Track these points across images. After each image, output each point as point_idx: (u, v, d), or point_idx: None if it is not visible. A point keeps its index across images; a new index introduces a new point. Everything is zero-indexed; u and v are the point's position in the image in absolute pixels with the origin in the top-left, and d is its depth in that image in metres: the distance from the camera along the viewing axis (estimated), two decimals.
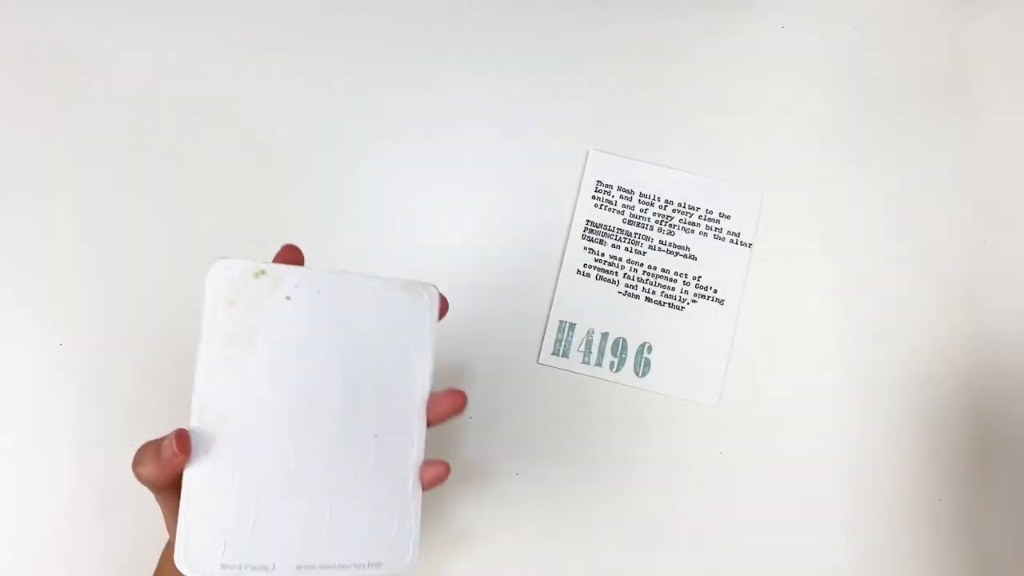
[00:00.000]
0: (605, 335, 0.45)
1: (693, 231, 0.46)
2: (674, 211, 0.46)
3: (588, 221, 0.45)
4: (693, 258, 0.46)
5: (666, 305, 0.45)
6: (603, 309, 0.45)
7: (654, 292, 0.45)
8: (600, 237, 0.45)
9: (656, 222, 0.45)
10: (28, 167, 0.50)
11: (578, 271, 0.45)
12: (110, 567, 0.44)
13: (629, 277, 0.45)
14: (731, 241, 0.46)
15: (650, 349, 0.45)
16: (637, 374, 0.45)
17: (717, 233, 0.46)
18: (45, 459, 0.46)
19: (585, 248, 0.45)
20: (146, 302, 0.48)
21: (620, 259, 0.45)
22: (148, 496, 0.35)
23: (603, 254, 0.45)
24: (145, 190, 0.50)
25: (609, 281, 0.45)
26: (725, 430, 0.49)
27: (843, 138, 0.54)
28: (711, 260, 0.46)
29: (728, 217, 0.46)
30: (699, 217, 0.46)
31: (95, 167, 0.50)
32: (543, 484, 0.46)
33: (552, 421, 0.47)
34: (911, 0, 0.56)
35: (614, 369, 0.45)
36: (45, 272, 0.48)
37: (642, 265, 0.45)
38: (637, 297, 0.45)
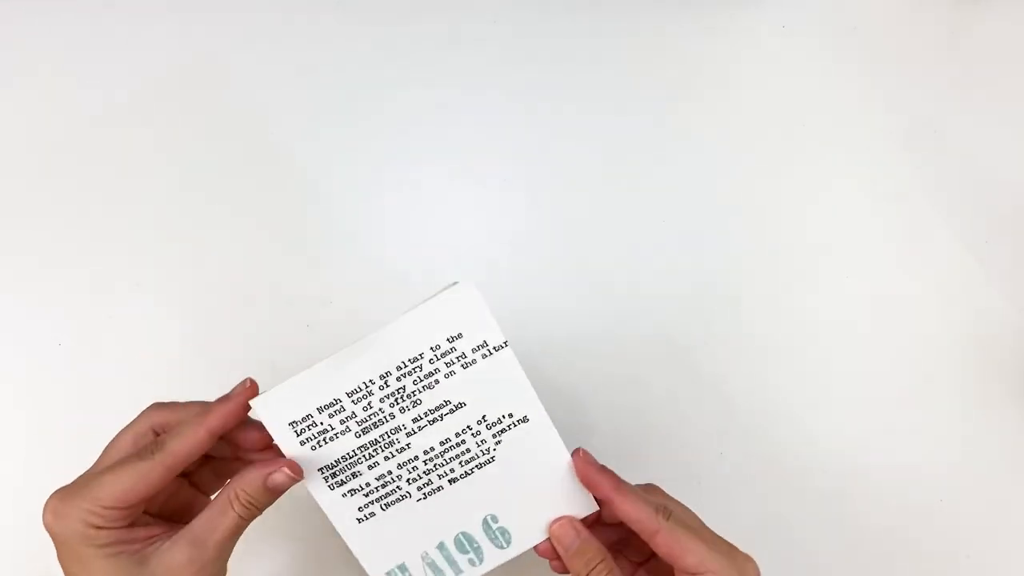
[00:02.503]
0: (442, 545, 0.36)
1: (437, 381, 0.34)
2: (400, 378, 0.34)
3: (322, 469, 0.34)
4: (462, 405, 0.35)
5: (475, 470, 0.36)
6: (418, 527, 0.36)
7: (453, 469, 0.35)
8: (349, 472, 0.35)
9: (391, 405, 0.34)
10: (26, 167, 0.50)
11: (358, 520, 0.35)
12: None
13: (415, 480, 0.35)
14: (483, 356, 0.34)
15: (495, 519, 0.36)
16: (502, 547, 0.37)
17: (463, 361, 0.34)
18: (45, 459, 0.46)
19: (343, 495, 0.35)
20: (146, 302, 0.48)
21: (390, 472, 0.35)
22: None
23: (367, 484, 0.35)
24: (145, 189, 0.50)
25: (399, 499, 0.36)
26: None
27: (843, 137, 0.54)
28: (481, 392, 0.35)
29: (459, 336, 0.34)
30: (430, 362, 0.34)
31: (95, 167, 0.50)
32: None
33: None
34: (911, 0, 0.56)
35: (476, 564, 0.37)
36: (45, 272, 0.48)
37: (417, 458, 0.35)
38: (440, 488, 0.36)
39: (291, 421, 0.34)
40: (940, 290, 0.52)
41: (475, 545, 0.37)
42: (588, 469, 0.35)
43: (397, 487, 0.36)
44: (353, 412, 0.34)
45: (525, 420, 0.35)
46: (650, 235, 0.52)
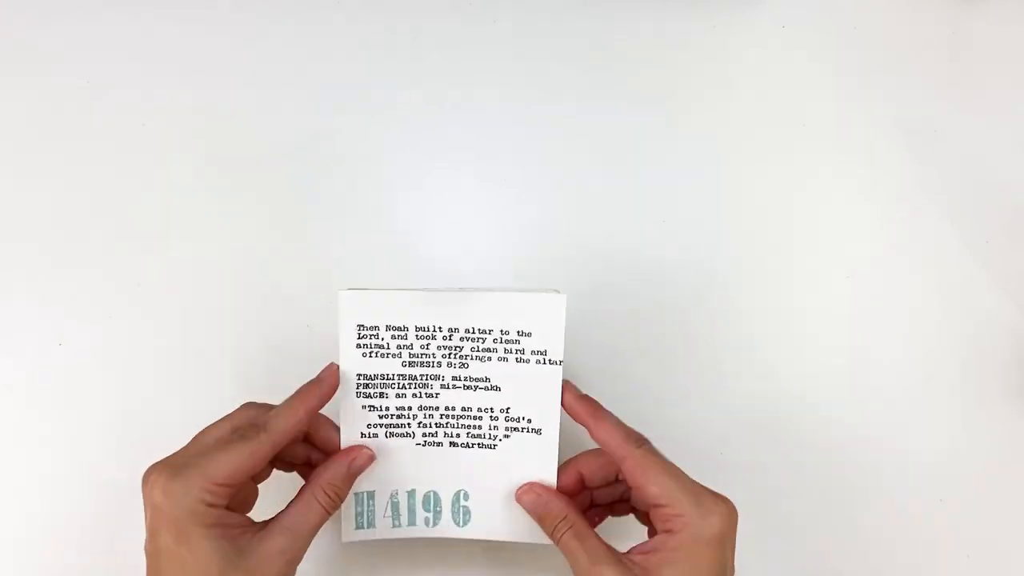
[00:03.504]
0: (411, 493, 0.39)
1: (490, 358, 0.38)
2: (463, 339, 0.37)
3: (360, 376, 0.37)
4: (496, 389, 0.38)
5: (475, 446, 0.38)
6: (403, 467, 0.39)
7: (459, 435, 0.38)
8: (379, 390, 0.37)
9: (443, 356, 0.37)
10: (25, 166, 0.50)
11: (362, 434, 0.38)
12: (108, 568, 0.44)
13: (425, 425, 0.38)
14: (537, 362, 0.38)
15: (467, 496, 0.39)
16: (458, 524, 0.39)
17: (519, 355, 0.38)
18: (44, 459, 0.46)
19: (363, 407, 0.37)
20: (146, 302, 0.48)
21: (410, 408, 0.38)
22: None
23: (387, 408, 0.38)
24: (145, 189, 0.50)
25: (403, 435, 0.38)
26: None
27: (843, 137, 0.54)
28: (518, 387, 0.38)
29: (528, 335, 0.37)
30: (494, 341, 0.37)
31: (94, 166, 0.50)
32: None
33: None
34: (911, 0, 0.56)
35: (430, 524, 0.39)
36: (45, 272, 0.48)
37: (437, 409, 0.38)
38: (440, 444, 0.38)
39: (360, 324, 0.37)
40: (940, 290, 0.52)
41: (437, 509, 0.39)
42: (568, 396, 0.38)
43: (407, 423, 0.38)
44: (411, 344, 0.37)
45: (538, 432, 0.38)
46: (649, 236, 0.52)
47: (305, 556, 0.36)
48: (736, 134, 0.53)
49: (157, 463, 0.34)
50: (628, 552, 0.36)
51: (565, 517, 0.37)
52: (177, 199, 0.50)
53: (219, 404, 0.38)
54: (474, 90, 0.53)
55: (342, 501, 0.37)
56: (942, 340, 0.52)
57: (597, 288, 0.51)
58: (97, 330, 0.48)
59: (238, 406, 0.39)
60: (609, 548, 0.36)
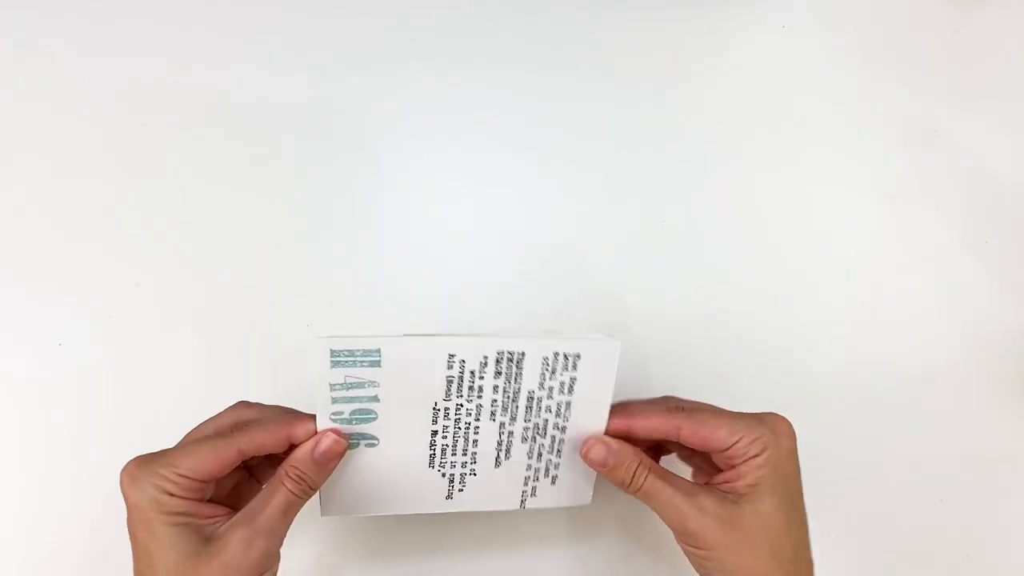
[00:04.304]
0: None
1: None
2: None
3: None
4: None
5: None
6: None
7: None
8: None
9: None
10: (26, 165, 0.50)
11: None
12: (108, 568, 0.44)
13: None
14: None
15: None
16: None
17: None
18: (44, 460, 0.46)
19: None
20: (146, 302, 0.48)
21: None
22: None
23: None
24: (146, 189, 0.50)
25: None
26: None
27: (843, 138, 0.54)
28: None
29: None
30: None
31: (94, 165, 0.50)
32: None
33: None
34: (911, 0, 0.56)
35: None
36: (45, 272, 0.48)
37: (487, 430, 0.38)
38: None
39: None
40: (940, 290, 0.52)
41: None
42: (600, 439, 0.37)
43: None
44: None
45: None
46: (649, 236, 0.52)
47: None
48: (736, 134, 0.53)
49: (135, 457, 0.34)
50: (711, 484, 0.36)
51: (640, 463, 0.36)
52: (177, 198, 0.50)
53: (219, 404, 0.38)
54: (472, 91, 0.53)
55: (312, 487, 0.35)
56: (942, 340, 0.52)
57: (596, 287, 0.51)
58: (97, 330, 0.48)
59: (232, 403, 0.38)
60: (695, 482, 0.36)
